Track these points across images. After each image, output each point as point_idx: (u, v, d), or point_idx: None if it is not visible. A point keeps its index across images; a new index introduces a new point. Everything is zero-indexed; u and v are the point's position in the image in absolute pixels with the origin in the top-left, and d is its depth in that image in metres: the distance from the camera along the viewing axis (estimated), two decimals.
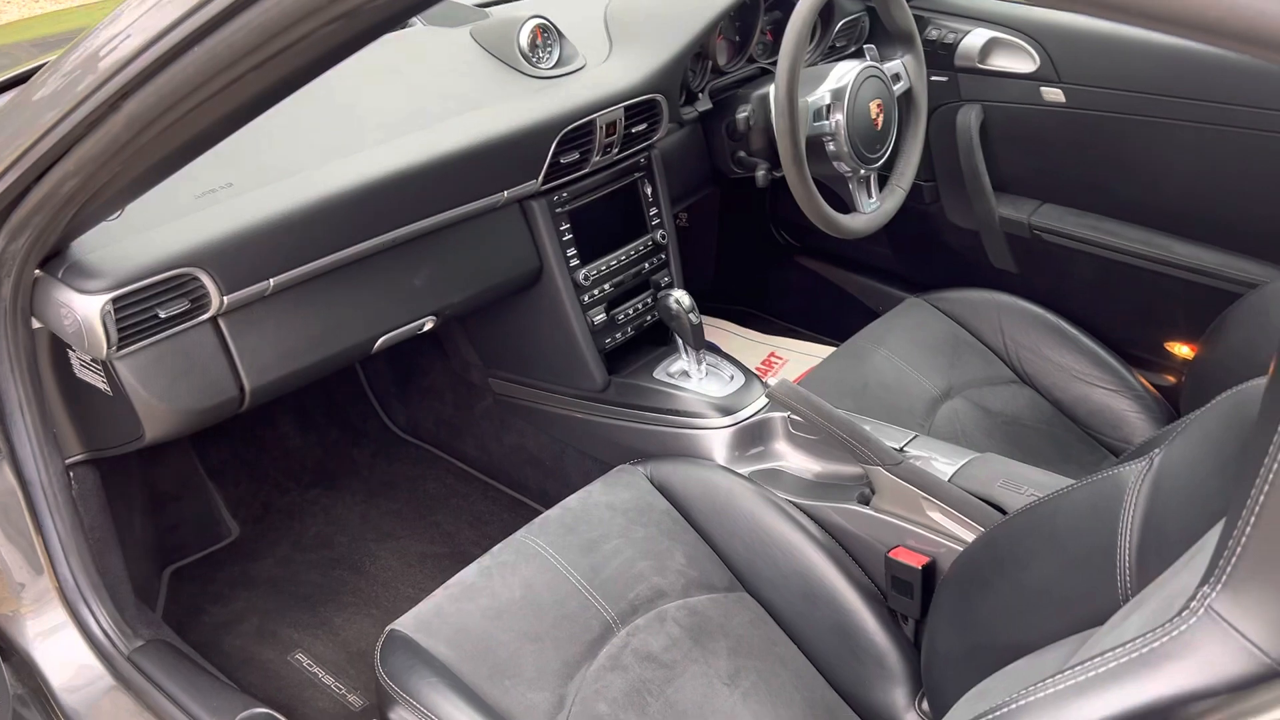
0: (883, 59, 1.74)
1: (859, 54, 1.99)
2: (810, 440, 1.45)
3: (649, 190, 1.71)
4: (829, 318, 2.32)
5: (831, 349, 1.83)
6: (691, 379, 1.59)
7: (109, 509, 1.39)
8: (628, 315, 1.70)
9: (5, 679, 1.33)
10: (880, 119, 1.65)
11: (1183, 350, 1.82)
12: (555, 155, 1.50)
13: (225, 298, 1.18)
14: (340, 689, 1.56)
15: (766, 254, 2.42)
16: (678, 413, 1.56)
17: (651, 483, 1.41)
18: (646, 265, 1.72)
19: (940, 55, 1.91)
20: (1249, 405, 0.78)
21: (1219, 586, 0.53)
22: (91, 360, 1.19)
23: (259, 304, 1.25)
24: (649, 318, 1.74)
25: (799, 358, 2.17)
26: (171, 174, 0.97)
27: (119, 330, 1.09)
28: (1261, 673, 0.50)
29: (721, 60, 1.83)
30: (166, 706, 1.23)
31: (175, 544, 1.79)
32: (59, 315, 1.09)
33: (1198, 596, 0.54)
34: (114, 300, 1.07)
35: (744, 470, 1.45)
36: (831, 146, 1.61)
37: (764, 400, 1.52)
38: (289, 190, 1.23)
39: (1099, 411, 1.70)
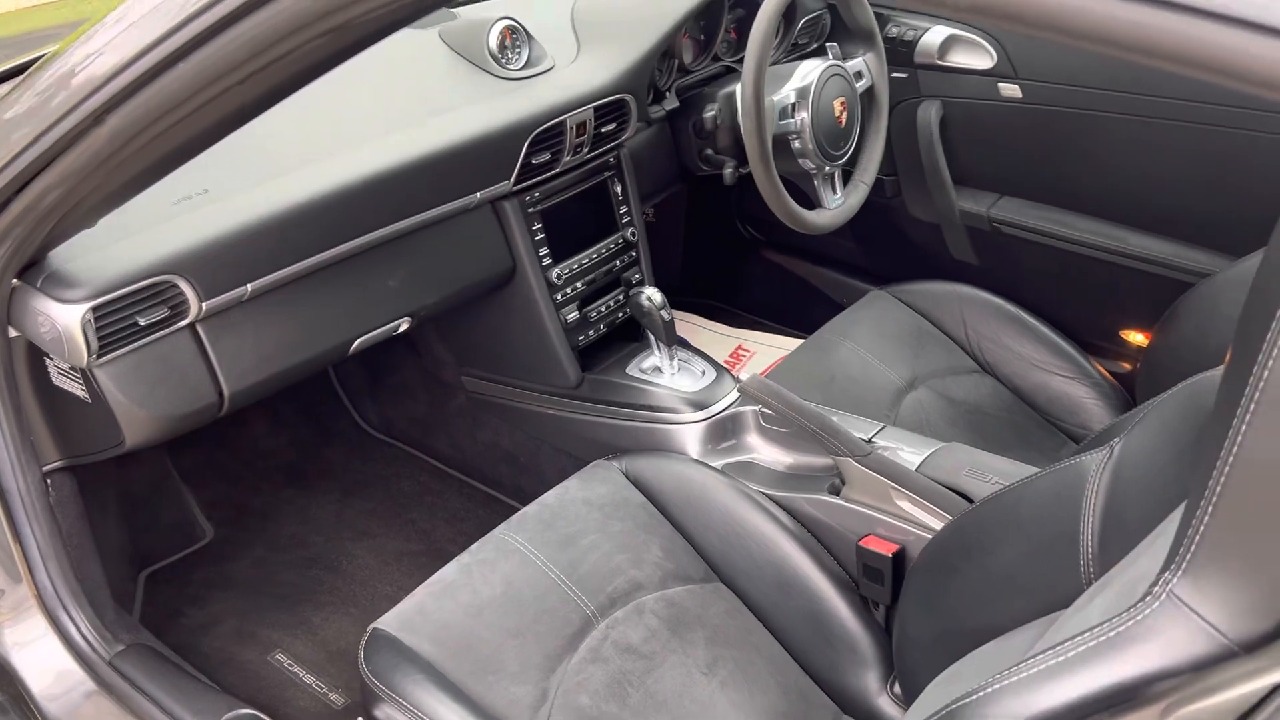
0: (844, 57, 1.77)
1: (821, 51, 2.02)
2: (781, 433, 1.48)
3: (618, 189, 1.74)
4: (794, 310, 2.35)
5: (798, 341, 1.87)
6: (664, 374, 1.61)
7: (86, 515, 1.39)
8: (600, 313, 1.72)
9: None
10: (844, 116, 1.68)
11: (1137, 338, 1.87)
12: (527, 156, 1.51)
13: (204, 304, 1.18)
14: (321, 688, 1.57)
15: (732, 248, 2.45)
16: (651, 408, 1.58)
17: (627, 477, 1.43)
18: (618, 263, 1.74)
19: (900, 52, 1.94)
20: (1204, 395, 0.82)
21: (1179, 573, 0.56)
22: (70, 368, 1.19)
23: (236, 309, 1.25)
24: (620, 315, 1.76)
25: (766, 350, 2.21)
26: (155, 183, 0.98)
27: (99, 338, 1.10)
28: (1220, 653, 0.54)
29: (687, 59, 1.85)
30: (151, 710, 1.23)
31: (150, 547, 1.78)
32: (37, 324, 1.09)
33: (1160, 582, 0.57)
34: (94, 309, 1.07)
35: (717, 463, 1.47)
36: (797, 144, 1.63)
37: (735, 394, 1.55)
38: (265, 195, 1.24)
39: (1058, 399, 1.75)
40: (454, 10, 1.69)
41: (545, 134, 1.52)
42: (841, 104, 1.67)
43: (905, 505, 1.29)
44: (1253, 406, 0.51)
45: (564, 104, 1.54)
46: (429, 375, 1.93)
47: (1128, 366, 1.89)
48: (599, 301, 1.72)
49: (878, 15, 1.79)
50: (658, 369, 1.63)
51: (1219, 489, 0.53)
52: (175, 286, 1.15)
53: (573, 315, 1.67)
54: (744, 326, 2.31)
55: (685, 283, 2.44)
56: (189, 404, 1.24)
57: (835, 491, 1.36)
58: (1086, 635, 0.61)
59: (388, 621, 1.19)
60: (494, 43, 1.57)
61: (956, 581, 1.05)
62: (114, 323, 1.11)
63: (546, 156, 1.55)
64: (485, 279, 1.58)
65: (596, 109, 1.59)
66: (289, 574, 1.78)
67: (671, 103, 1.81)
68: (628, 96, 1.64)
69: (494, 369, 1.78)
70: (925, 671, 1.01)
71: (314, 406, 2.08)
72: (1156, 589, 0.57)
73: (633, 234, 1.76)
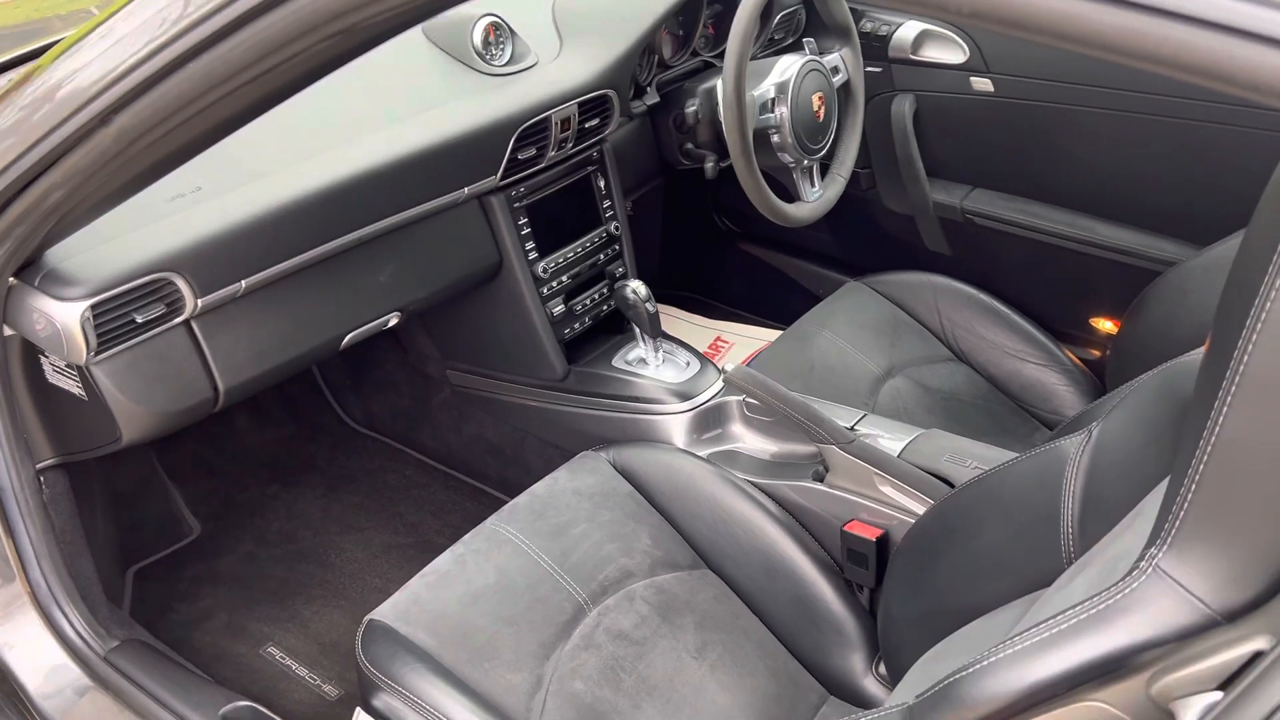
0: (820, 52, 1.80)
1: (797, 46, 2.04)
2: (765, 422, 1.50)
3: (602, 183, 1.76)
4: (772, 302, 2.38)
5: (775, 332, 1.89)
6: (649, 366, 1.64)
7: (78, 512, 1.40)
8: (585, 305, 1.74)
9: None
10: (822, 111, 1.71)
11: (1107, 326, 1.91)
12: (513, 151, 1.53)
13: (199, 300, 1.20)
14: (315, 680, 1.59)
15: (710, 241, 2.47)
16: (637, 399, 1.60)
17: (614, 468, 1.45)
18: (602, 256, 1.77)
19: (874, 47, 1.97)
20: (1180, 381, 0.85)
21: (1165, 547, 0.59)
22: (67, 366, 1.20)
23: (231, 305, 1.26)
24: (606, 307, 1.78)
25: (744, 341, 2.23)
26: (155, 182, 0.99)
27: (98, 336, 1.10)
28: (1203, 622, 0.57)
29: (667, 54, 1.87)
30: (148, 704, 1.24)
31: (138, 544, 1.78)
32: (34, 322, 1.10)
33: (1146, 557, 0.60)
34: (93, 307, 1.08)
35: (703, 453, 1.50)
36: (776, 138, 1.66)
37: (720, 385, 1.58)
38: (257, 193, 1.25)
39: (1031, 386, 1.79)
40: None
41: (531, 129, 1.54)
42: (819, 98, 1.70)
43: (888, 490, 1.33)
44: (1233, 389, 0.54)
45: (549, 100, 1.56)
46: (413, 369, 1.94)
47: (1098, 353, 1.93)
48: (584, 294, 1.75)
49: (852, 10, 1.82)
50: (643, 360, 1.65)
51: (1201, 468, 0.56)
52: (172, 284, 1.16)
53: (559, 308, 1.69)
54: (722, 318, 2.34)
55: (663, 276, 2.46)
56: (185, 400, 1.25)
57: (819, 478, 1.39)
58: (1075, 610, 0.64)
59: (384, 612, 1.20)
60: (478, 39, 1.58)
61: (940, 563, 1.09)
62: (112, 320, 1.12)
63: (532, 152, 1.57)
64: (473, 273, 1.60)
65: (581, 104, 1.61)
66: (278, 569, 1.79)
67: (652, 98, 1.83)
68: (611, 92, 1.66)
69: (479, 362, 1.80)
70: (909, 651, 1.04)
71: (298, 402, 2.08)
72: (1143, 564, 0.60)
73: (616, 227, 1.78)
